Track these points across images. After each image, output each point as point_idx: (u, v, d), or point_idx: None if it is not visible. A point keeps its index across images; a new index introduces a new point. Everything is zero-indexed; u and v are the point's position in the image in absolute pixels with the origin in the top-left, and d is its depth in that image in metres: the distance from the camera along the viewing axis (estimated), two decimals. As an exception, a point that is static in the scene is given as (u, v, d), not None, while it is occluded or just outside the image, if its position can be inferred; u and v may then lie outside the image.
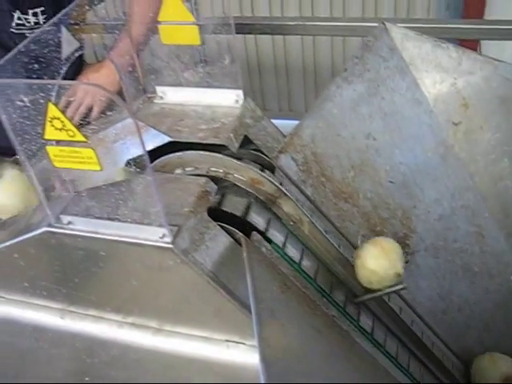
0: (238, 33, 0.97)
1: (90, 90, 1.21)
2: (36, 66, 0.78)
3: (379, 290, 0.98)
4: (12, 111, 0.73)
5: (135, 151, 0.97)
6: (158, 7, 1.18)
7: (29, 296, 1.00)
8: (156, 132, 1.00)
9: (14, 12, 1.31)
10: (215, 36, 1.00)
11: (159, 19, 0.99)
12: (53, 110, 0.69)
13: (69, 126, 0.69)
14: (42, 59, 0.80)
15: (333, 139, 1.10)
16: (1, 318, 1.05)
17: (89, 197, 0.82)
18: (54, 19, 0.82)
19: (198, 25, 0.98)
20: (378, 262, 0.96)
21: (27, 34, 1.34)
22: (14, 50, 0.75)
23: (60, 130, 0.70)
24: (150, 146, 1.00)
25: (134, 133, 1.03)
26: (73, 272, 0.93)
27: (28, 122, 0.74)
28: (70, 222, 0.83)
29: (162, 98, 1.09)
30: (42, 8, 1.33)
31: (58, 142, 0.74)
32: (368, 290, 1.01)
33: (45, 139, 0.73)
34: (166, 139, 0.98)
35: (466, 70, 1.18)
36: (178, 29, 0.99)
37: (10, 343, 1.09)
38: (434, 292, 1.22)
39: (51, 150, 0.74)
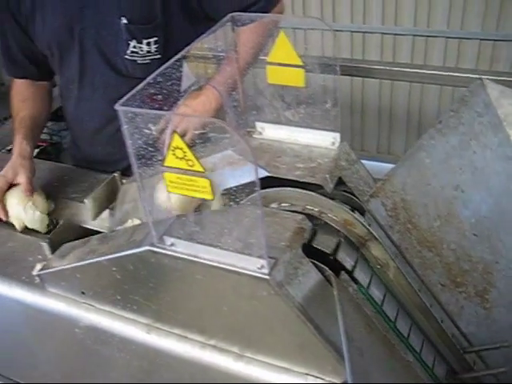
0: (345, 74, 1.02)
1: (184, 118, 1.27)
2: (159, 96, 0.85)
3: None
4: (138, 137, 0.79)
5: (231, 182, 1.03)
6: (263, 37, 1.25)
7: (119, 308, 1.06)
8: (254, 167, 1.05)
9: (131, 41, 1.40)
10: (320, 76, 1.05)
11: (268, 60, 1.04)
12: (177, 140, 0.75)
13: (190, 156, 0.75)
14: (165, 91, 0.86)
15: (422, 188, 1.12)
16: (89, 326, 1.11)
17: (193, 222, 0.87)
18: (179, 55, 0.88)
19: (304, 68, 1.03)
20: None
21: (139, 62, 1.43)
22: (144, 82, 0.82)
23: (180, 159, 0.76)
24: (246, 179, 1.05)
25: (232, 164, 1.09)
26: (165, 291, 0.98)
27: (150, 149, 0.80)
28: (172, 244, 0.88)
29: (260, 133, 1.14)
30: (156, 38, 1.41)
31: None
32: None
33: (164, 166, 0.78)
34: (264, 174, 1.03)
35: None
36: (285, 70, 1.04)
37: (95, 350, 1.15)
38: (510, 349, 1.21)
39: (168, 176, 0.79)
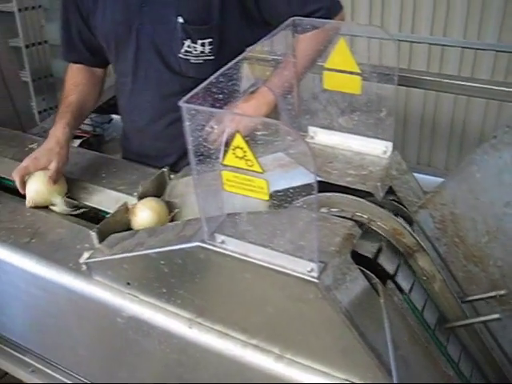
0: (390, 83, 1.02)
1: (236, 118, 1.28)
2: (220, 96, 0.86)
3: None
4: (198, 134, 0.81)
5: (282, 184, 1.04)
6: (323, 44, 1.25)
7: (163, 301, 1.08)
8: (304, 171, 1.06)
9: (186, 40, 1.43)
10: (376, 85, 1.05)
11: (326, 65, 1.05)
12: (238, 140, 0.76)
13: (250, 156, 0.76)
14: (225, 91, 0.87)
15: (472, 202, 1.11)
16: (132, 316, 1.13)
17: (246, 221, 0.88)
18: (240, 57, 0.90)
19: (361, 76, 1.03)
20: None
21: (192, 61, 1.46)
22: (207, 81, 0.83)
23: (240, 158, 0.77)
24: (296, 183, 1.06)
25: (283, 166, 1.10)
26: (211, 287, 1.00)
27: (210, 146, 0.81)
28: (223, 241, 0.89)
29: (312, 137, 1.15)
30: (210, 39, 1.43)
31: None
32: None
33: (223, 164, 0.80)
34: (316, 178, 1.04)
35: None
36: (342, 77, 1.05)
37: (135, 340, 1.17)
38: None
39: (226, 174, 0.81)
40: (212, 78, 0.84)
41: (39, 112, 3.49)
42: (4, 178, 1.56)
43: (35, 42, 3.97)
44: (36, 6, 3.88)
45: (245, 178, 0.79)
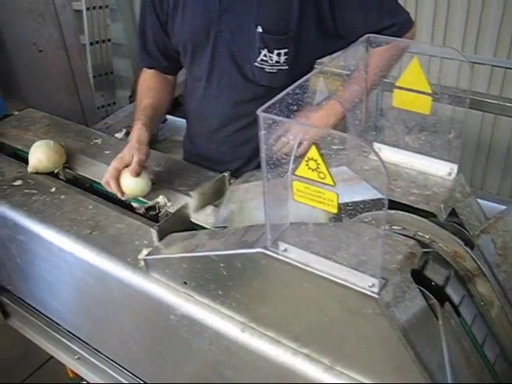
0: (447, 103, 1.01)
1: (304, 128, 1.29)
2: (295, 107, 0.88)
3: None
4: (271, 143, 0.83)
5: (344, 198, 1.04)
6: (393, 61, 1.26)
7: (218, 303, 1.10)
8: (368, 186, 1.07)
9: (262, 49, 1.45)
10: (446, 106, 1.05)
11: (397, 83, 1.05)
12: (313, 152, 0.77)
13: (323, 168, 0.78)
14: (300, 102, 0.89)
15: (535, 231, 1.10)
16: (186, 315, 1.15)
17: (311, 231, 0.90)
18: (317, 70, 0.91)
19: (432, 96, 1.04)
20: None
21: (266, 70, 1.48)
22: (284, 92, 0.85)
23: (313, 170, 0.79)
24: (359, 197, 1.06)
25: (347, 180, 1.11)
26: (268, 293, 1.01)
27: (284, 156, 0.83)
28: (285, 250, 0.91)
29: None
30: (286, 50, 1.45)
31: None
32: None
33: (294, 174, 0.81)
34: (378, 195, 1.04)
35: None
36: (413, 96, 1.05)
37: (186, 339, 1.20)
38: None
39: (297, 185, 0.82)
40: (289, 89, 0.86)
41: (97, 108, 3.60)
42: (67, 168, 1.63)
43: (99, 39, 4.11)
44: (103, 6, 4.02)
45: (315, 190, 0.81)
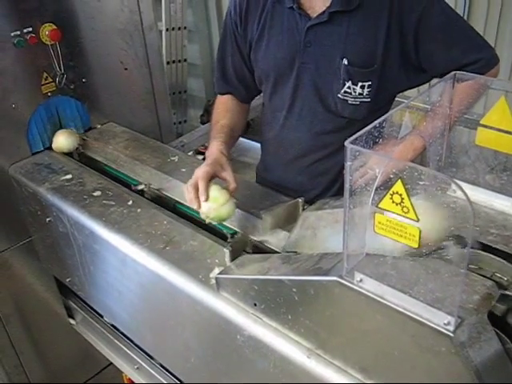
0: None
1: (382, 160, 1.29)
2: (380, 140, 0.89)
3: None
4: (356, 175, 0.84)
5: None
6: (476, 98, 1.25)
7: (286, 328, 1.11)
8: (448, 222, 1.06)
9: (347, 82, 1.46)
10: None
11: (482, 121, 1.05)
12: (399, 186, 0.78)
13: (407, 203, 0.78)
14: (385, 136, 0.90)
15: None
16: (253, 336, 1.17)
17: (389, 264, 0.90)
18: (404, 104, 0.93)
19: (517, 136, 1.03)
20: None
21: (349, 102, 1.49)
22: (371, 125, 0.87)
23: (396, 204, 0.80)
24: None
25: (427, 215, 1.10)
26: (338, 322, 1.02)
27: (368, 188, 0.84)
28: (361, 280, 0.91)
29: (454, 191, 1.14)
30: (370, 82, 1.46)
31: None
32: None
33: (378, 207, 0.83)
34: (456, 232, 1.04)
35: None
36: (497, 135, 1.05)
37: (250, 360, 1.21)
38: None
39: (379, 217, 0.83)
40: (376, 122, 0.87)
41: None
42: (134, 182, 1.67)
43: (176, 59, 4.24)
44: (182, 27, 4.15)
45: (398, 224, 0.81)
